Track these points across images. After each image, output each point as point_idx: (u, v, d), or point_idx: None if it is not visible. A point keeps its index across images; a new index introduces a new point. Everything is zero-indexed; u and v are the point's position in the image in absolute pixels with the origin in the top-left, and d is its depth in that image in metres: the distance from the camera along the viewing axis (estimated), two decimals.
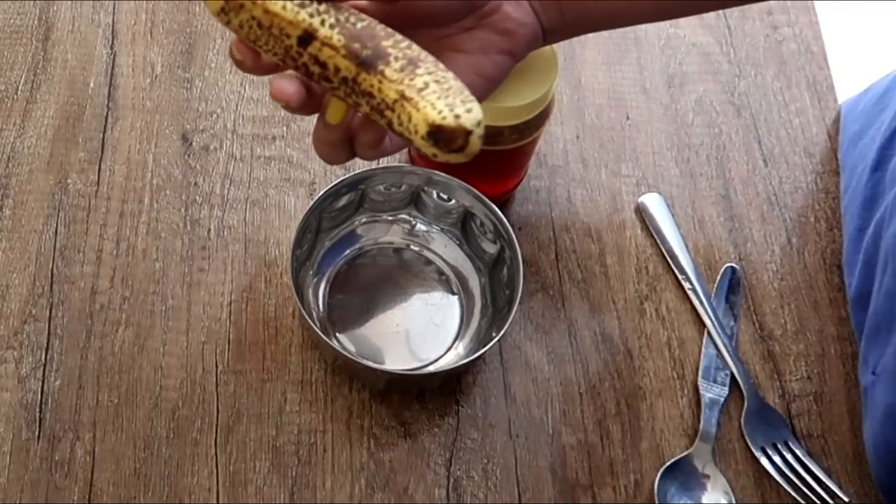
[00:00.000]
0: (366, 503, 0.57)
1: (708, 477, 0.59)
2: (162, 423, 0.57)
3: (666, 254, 0.67)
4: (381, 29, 0.43)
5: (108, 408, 0.57)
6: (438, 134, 0.42)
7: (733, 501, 0.58)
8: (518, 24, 0.49)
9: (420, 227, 0.64)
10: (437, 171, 0.61)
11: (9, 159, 0.65)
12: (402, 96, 0.42)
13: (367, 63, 0.43)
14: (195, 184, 0.65)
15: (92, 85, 0.68)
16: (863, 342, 0.63)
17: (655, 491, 0.58)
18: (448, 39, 0.48)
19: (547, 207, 0.68)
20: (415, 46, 0.44)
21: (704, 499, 0.58)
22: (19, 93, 0.67)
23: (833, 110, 0.74)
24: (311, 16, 0.42)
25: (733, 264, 0.67)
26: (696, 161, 0.71)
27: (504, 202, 0.67)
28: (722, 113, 0.73)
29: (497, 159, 0.61)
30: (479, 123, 0.42)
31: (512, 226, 0.60)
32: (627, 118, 0.72)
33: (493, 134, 0.58)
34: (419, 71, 0.42)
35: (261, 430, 0.58)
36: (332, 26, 0.43)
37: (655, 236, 0.67)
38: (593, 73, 0.74)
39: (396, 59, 0.43)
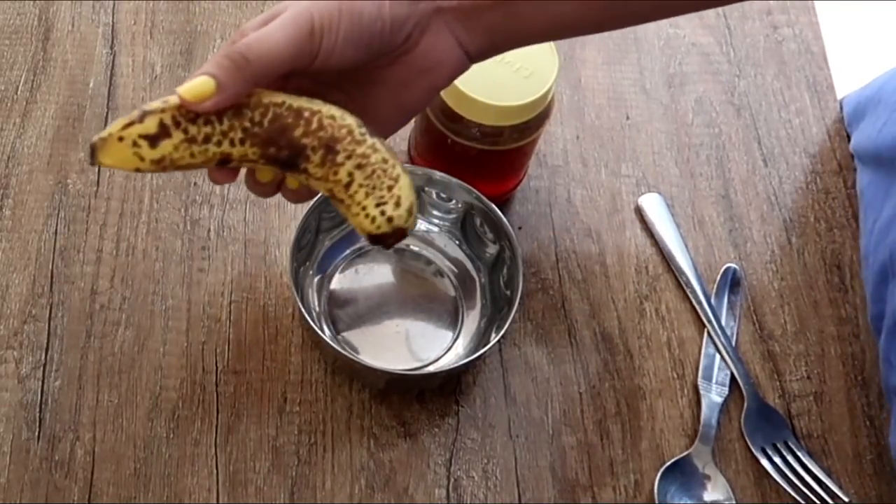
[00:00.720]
0: (366, 503, 0.57)
1: (708, 477, 0.59)
2: (162, 423, 0.57)
3: (666, 254, 0.67)
4: (286, 111, 0.44)
5: (108, 408, 0.57)
6: (378, 238, 0.45)
7: (733, 501, 0.58)
8: (437, 61, 0.47)
9: (420, 227, 0.64)
10: (437, 171, 0.61)
11: (9, 159, 0.65)
12: (334, 196, 0.45)
13: (290, 164, 0.44)
14: (195, 184, 0.65)
15: (92, 85, 0.68)
16: (882, 342, 0.62)
17: (655, 491, 0.58)
18: (367, 73, 0.47)
19: (547, 207, 0.68)
20: (324, 116, 0.44)
21: (704, 499, 0.58)
22: (19, 93, 0.67)
23: (833, 110, 0.74)
24: (219, 144, 0.43)
25: (733, 264, 0.67)
26: (696, 161, 0.71)
27: (504, 202, 0.67)
28: (722, 113, 0.73)
29: (497, 159, 0.61)
30: (410, 211, 0.45)
31: (512, 226, 0.60)
32: (627, 118, 0.72)
33: (493, 134, 0.58)
34: (339, 159, 0.44)
35: (261, 430, 0.58)
36: (241, 141, 0.44)
37: (655, 236, 0.67)
38: (593, 73, 0.74)
39: (314, 149, 0.44)
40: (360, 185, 0.44)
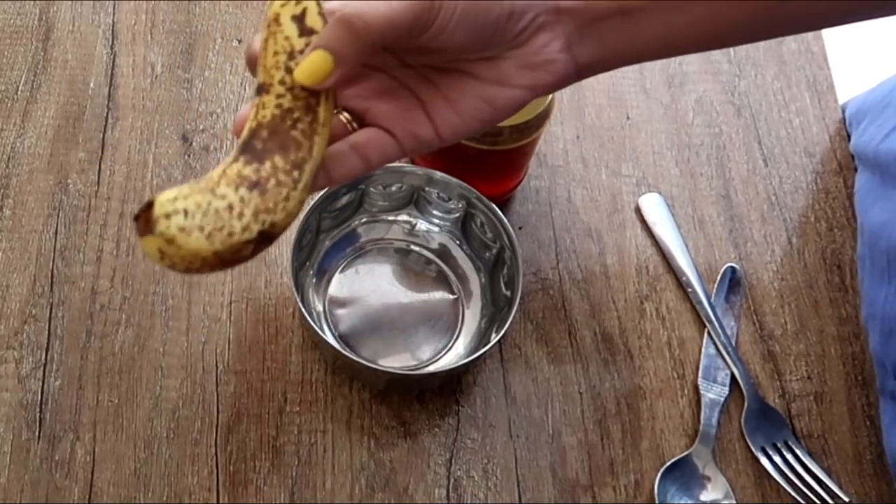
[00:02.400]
0: (366, 503, 0.57)
1: (708, 477, 0.59)
2: (162, 423, 0.57)
3: (666, 254, 0.67)
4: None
5: (108, 408, 0.57)
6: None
7: (733, 501, 0.58)
8: (547, 60, 0.44)
9: (420, 227, 0.64)
10: (436, 171, 0.61)
11: (9, 159, 0.65)
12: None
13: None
14: None
15: (92, 85, 0.68)
16: (876, 347, 0.62)
17: (655, 491, 0.58)
18: (463, 62, 0.44)
19: (547, 207, 0.68)
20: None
21: (704, 499, 0.58)
22: (19, 93, 0.67)
23: (833, 110, 0.74)
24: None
25: (733, 264, 0.67)
26: (696, 161, 0.71)
27: (504, 202, 0.67)
28: (722, 113, 0.73)
29: (497, 159, 0.61)
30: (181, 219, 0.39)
31: (512, 226, 0.60)
32: (627, 118, 0.72)
33: (493, 134, 0.58)
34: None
35: (261, 430, 0.58)
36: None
37: (655, 236, 0.67)
38: None
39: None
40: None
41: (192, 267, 0.39)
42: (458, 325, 0.62)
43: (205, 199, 0.39)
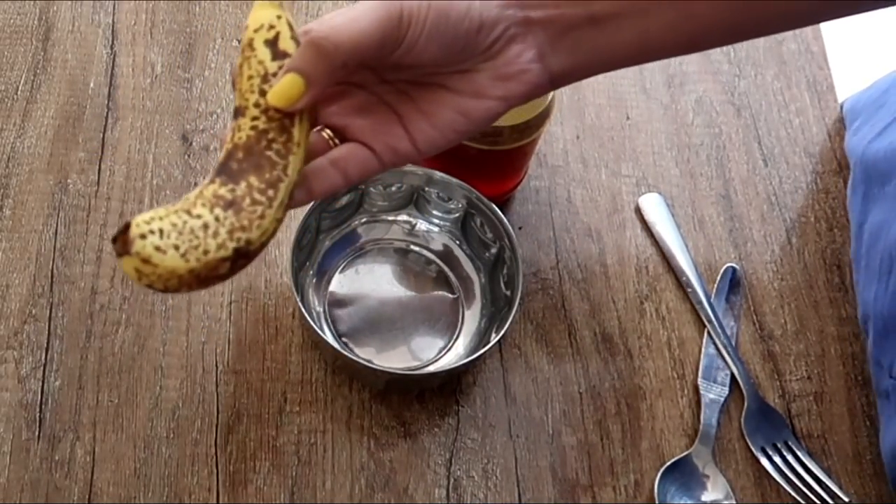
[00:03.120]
0: (366, 503, 0.57)
1: (708, 477, 0.59)
2: (162, 423, 0.57)
3: (666, 254, 0.67)
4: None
5: (108, 408, 0.57)
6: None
7: (733, 501, 0.58)
8: (520, 70, 0.44)
9: (420, 227, 0.64)
10: (436, 171, 0.61)
11: (9, 159, 0.65)
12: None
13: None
14: (195, 184, 0.65)
15: (92, 85, 0.68)
16: (872, 346, 0.62)
17: (655, 491, 0.58)
18: (439, 76, 0.44)
19: (547, 207, 0.68)
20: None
21: (704, 499, 0.58)
22: (19, 93, 0.67)
23: (833, 110, 0.74)
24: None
25: (733, 264, 0.67)
26: (696, 161, 0.71)
27: (504, 202, 0.67)
28: (722, 113, 0.73)
29: (497, 159, 0.61)
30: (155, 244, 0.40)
31: (512, 226, 0.60)
32: (627, 118, 0.72)
33: (493, 134, 0.58)
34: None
35: (261, 430, 0.58)
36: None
37: (655, 236, 0.67)
38: None
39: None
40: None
41: (170, 286, 0.40)
42: (458, 325, 0.62)
43: (180, 220, 0.40)
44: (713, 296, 0.65)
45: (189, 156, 0.66)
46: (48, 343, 0.59)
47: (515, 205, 0.67)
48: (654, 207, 0.68)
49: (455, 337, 0.61)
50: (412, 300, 0.62)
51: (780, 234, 0.69)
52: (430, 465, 0.58)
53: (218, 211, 0.40)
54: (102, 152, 0.66)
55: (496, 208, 0.60)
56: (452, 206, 0.63)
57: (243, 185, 0.41)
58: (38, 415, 0.57)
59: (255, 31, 0.43)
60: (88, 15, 0.71)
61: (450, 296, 0.63)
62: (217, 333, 0.60)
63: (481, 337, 0.61)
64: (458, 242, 0.64)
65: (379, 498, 0.57)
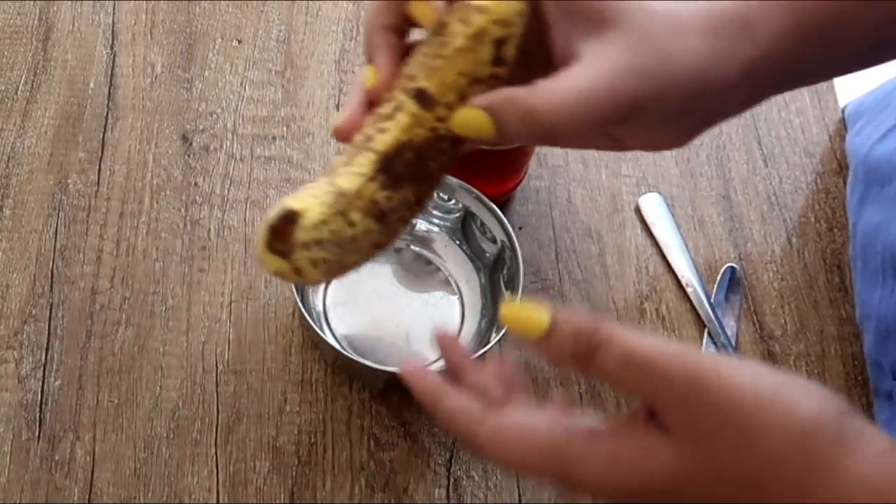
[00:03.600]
0: (366, 503, 0.56)
1: None
2: (162, 423, 0.57)
3: (666, 254, 0.67)
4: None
5: (108, 408, 0.57)
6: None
7: None
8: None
9: (420, 227, 0.64)
10: None
11: (9, 159, 0.65)
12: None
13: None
14: (195, 184, 0.65)
15: (92, 85, 0.68)
16: (871, 347, 0.62)
17: None
18: None
19: (547, 207, 0.68)
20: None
21: None
22: (19, 93, 0.67)
23: (833, 111, 0.74)
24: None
25: (733, 264, 0.67)
26: (696, 161, 0.71)
27: (504, 202, 0.67)
28: None
29: (497, 159, 0.61)
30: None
31: (512, 226, 0.60)
32: None
33: None
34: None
35: (261, 430, 0.58)
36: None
37: (655, 236, 0.67)
38: None
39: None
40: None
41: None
42: (458, 325, 0.62)
43: (339, 226, 0.38)
44: (713, 296, 0.65)
45: (189, 156, 0.66)
46: (48, 343, 0.59)
47: (515, 205, 0.67)
48: (654, 207, 0.68)
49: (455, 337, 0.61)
50: (412, 300, 0.62)
51: (780, 234, 0.69)
52: (430, 465, 0.58)
53: (369, 222, 0.38)
54: (102, 152, 0.66)
55: (496, 208, 0.60)
56: (452, 206, 0.63)
57: (398, 195, 0.38)
58: (38, 415, 0.57)
59: (493, 21, 0.37)
60: (88, 15, 0.71)
61: (450, 296, 0.63)
62: (217, 333, 0.60)
63: (481, 337, 0.61)
64: (458, 242, 0.64)
65: (379, 498, 0.57)
